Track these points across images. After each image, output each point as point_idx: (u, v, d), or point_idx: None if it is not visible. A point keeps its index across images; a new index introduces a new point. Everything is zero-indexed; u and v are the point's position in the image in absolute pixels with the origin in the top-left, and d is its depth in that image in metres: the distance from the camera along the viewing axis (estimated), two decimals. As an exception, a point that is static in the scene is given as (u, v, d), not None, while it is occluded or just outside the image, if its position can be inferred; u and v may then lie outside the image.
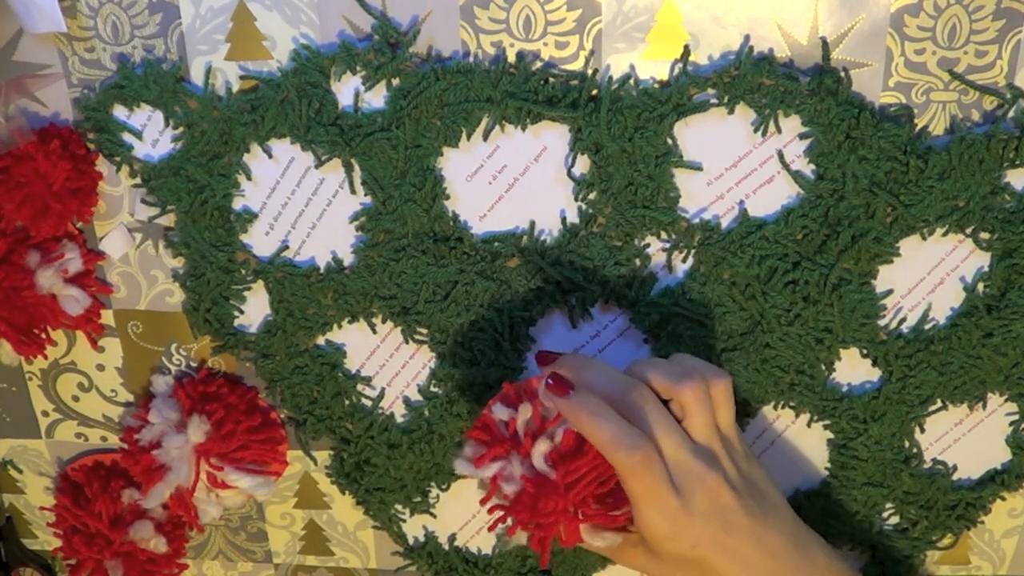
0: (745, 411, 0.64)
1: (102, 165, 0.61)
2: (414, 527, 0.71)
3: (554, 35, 0.55)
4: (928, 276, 0.60)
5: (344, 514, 0.72)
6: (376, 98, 0.57)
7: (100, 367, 0.68)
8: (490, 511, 0.54)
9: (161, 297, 0.65)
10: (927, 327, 0.61)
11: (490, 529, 0.55)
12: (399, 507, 0.70)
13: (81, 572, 0.68)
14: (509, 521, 0.54)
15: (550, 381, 0.53)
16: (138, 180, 0.61)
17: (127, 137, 0.60)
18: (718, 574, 0.52)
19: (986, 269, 0.59)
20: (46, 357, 0.68)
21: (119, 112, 0.59)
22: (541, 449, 0.52)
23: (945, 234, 0.58)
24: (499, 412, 0.54)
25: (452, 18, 0.55)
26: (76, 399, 0.70)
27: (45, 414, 0.71)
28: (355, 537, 0.73)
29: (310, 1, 0.55)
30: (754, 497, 0.54)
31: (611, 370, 0.54)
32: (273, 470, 0.68)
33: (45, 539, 0.77)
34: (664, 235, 0.59)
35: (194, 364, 0.67)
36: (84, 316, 0.64)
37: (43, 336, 0.65)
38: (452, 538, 0.71)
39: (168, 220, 0.62)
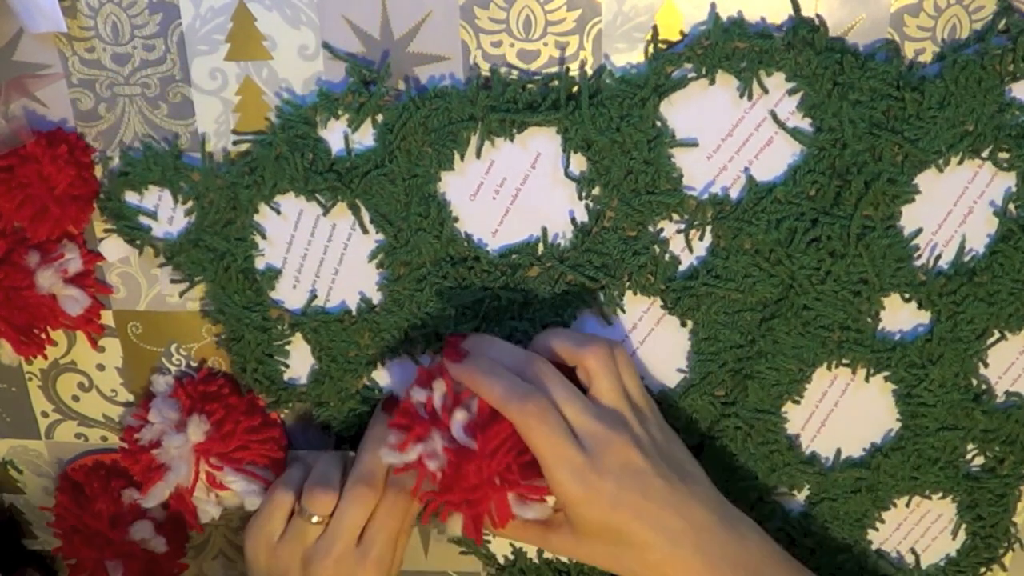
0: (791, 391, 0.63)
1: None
2: (501, 546, 0.71)
3: (554, 35, 0.55)
4: (955, 208, 0.58)
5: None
6: (365, 137, 0.58)
7: (100, 367, 0.68)
8: (421, 499, 0.54)
9: (161, 297, 0.65)
10: (966, 259, 0.59)
11: (423, 521, 0.55)
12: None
13: (81, 572, 0.69)
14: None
15: (446, 349, 0.54)
16: (162, 259, 0.63)
17: (144, 220, 0.62)
18: (644, 545, 0.51)
19: (1013, 189, 0.57)
20: (46, 357, 0.68)
21: (131, 197, 0.61)
22: (459, 420, 0.52)
23: (961, 162, 0.56)
24: (416, 395, 0.55)
25: (452, 18, 0.55)
26: (76, 399, 0.70)
27: (45, 415, 0.71)
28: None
29: (310, 1, 0.56)
30: (670, 465, 0.53)
31: (511, 347, 0.55)
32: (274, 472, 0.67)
33: (45, 539, 0.77)
34: (676, 217, 0.58)
35: (194, 364, 0.67)
36: (84, 316, 0.64)
37: (43, 336, 0.65)
38: (541, 551, 0.71)
39: (198, 291, 0.64)
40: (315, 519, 0.59)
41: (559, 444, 0.50)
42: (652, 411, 0.56)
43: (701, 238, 0.59)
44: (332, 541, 0.58)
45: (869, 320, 0.60)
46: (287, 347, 0.65)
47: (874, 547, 0.68)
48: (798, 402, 0.63)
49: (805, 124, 0.55)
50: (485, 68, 0.56)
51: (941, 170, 0.56)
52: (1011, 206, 0.57)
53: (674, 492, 0.52)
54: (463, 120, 0.56)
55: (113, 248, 0.64)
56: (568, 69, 0.55)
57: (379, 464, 0.58)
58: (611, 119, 0.55)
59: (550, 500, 0.54)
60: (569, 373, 0.55)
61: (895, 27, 0.53)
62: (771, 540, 0.55)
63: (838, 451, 0.65)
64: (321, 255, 0.61)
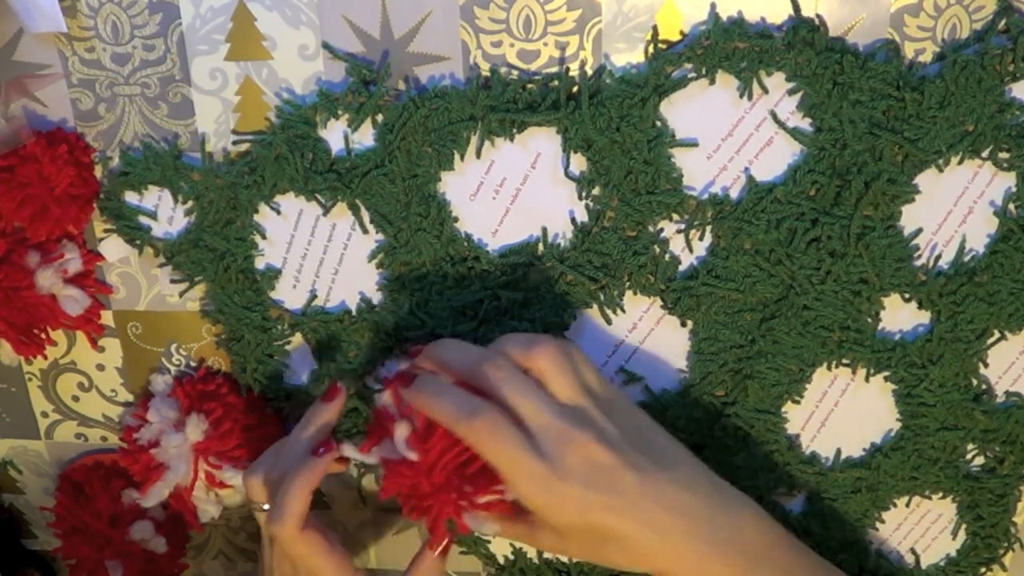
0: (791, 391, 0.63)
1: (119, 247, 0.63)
2: (501, 546, 0.71)
3: (554, 35, 0.55)
4: (955, 208, 0.58)
5: (345, 514, 0.72)
6: (365, 137, 0.58)
7: (100, 367, 0.69)
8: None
9: (161, 297, 0.65)
10: (966, 259, 0.59)
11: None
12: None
13: (81, 572, 0.69)
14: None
15: (395, 379, 0.53)
16: (162, 259, 0.63)
17: (144, 220, 0.62)
18: (627, 539, 0.49)
19: (1013, 189, 0.57)
20: (46, 357, 0.68)
21: (131, 197, 0.61)
22: (401, 434, 0.51)
23: (961, 162, 0.56)
24: (382, 400, 0.55)
25: (452, 18, 0.55)
26: (76, 399, 0.70)
27: (45, 415, 0.71)
28: (355, 538, 0.73)
29: (310, 1, 0.56)
30: (642, 451, 0.51)
31: (469, 348, 0.53)
32: None
33: (45, 539, 0.77)
34: (676, 216, 0.58)
35: (194, 364, 0.67)
36: (84, 316, 0.64)
37: (43, 336, 0.65)
38: (541, 551, 0.71)
39: (198, 291, 0.64)
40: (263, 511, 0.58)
41: (516, 456, 0.48)
42: (619, 401, 0.53)
43: (701, 238, 0.59)
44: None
45: (869, 320, 0.60)
46: (287, 347, 0.65)
47: (874, 547, 0.68)
48: (798, 402, 0.63)
49: (805, 124, 0.55)
50: (485, 68, 0.56)
51: (941, 170, 0.56)
52: (1011, 206, 0.57)
53: (650, 482, 0.49)
54: (463, 120, 0.56)
55: (113, 248, 0.64)
56: (568, 69, 0.55)
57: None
58: (611, 119, 0.55)
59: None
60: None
61: (895, 27, 0.53)
62: (771, 520, 0.53)
63: (838, 451, 0.65)
64: (321, 255, 0.62)
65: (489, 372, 0.50)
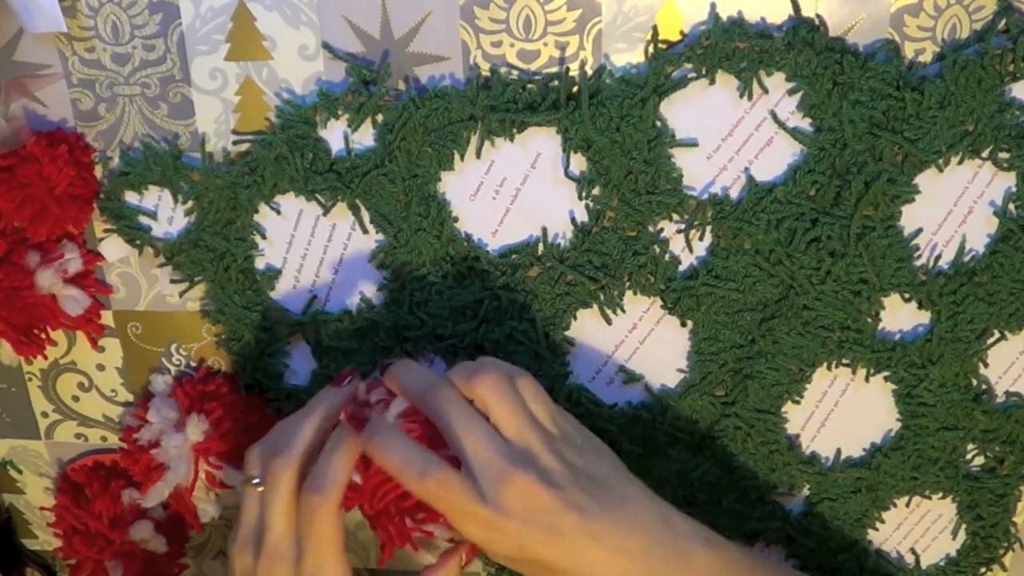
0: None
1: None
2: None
3: (554, 35, 0.55)
4: (955, 208, 0.58)
5: (344, 515, 0.71)
6: (365, 137, 0.58)
7: (100, 367, 0.68)
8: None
9: (161, 297, 0.65)
10: (966, 259, 0.59)
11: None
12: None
13: (81, 572, 0.68)
14: None
15: (348, 419, 0.53)
16: (162, 259, 0.63)
17: (144, 220, 0.62)
18: (563, 573, 0.49)
19: (1013, 189, 0.57)
20: (46, 357, 0.68)
21: (131, 197, 0.61)
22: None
23: (961, 162, 0.56)
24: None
25: (452, 18, 0.55)
26: (76, 399, 0.70)
27: (45, 415, 0.71)
28: (355, 537, 0.73)
29: (310, 1, 0.56)
30: (587, 491, 0.50)
31: (423, 372, 0.53)
32: None
33: (45, 539, 0.77)
34: (676, 217, 0.58)
35: (194, 364, 0.67)
36: (84, 316, 0.64)
37: (43, 336, 0.65)
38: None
39: (198, 291, 0.64)
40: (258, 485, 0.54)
41: (462, 506, 0.48)
42: (569, 432, 0.52)
43: (701, 238, 0.59)
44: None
45: (869, 320, 0.60)
46: (287, 347, 0.65)
47: (874, 547, 0.68)
48: (798, 402, 0.63)
49: (805, 124, 0.55)
50: (485, 68, 0.56)
51: (941, 170, 0.56)
52: (1011, 206, 0.57)
53: (591, 522, 0.48)
54: (463, 120, 0.56)
55: (113, 248, 0.64)
56: (568, 69, 0.55)
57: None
58: (611, 119, 0.55)
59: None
60: None
61: (895, 27, 0.53)
62: (727, 547, 0.52)
63: (838, 451, 0.65)
64: (321, 255, 0.61)
65: (434, 401, 0.50)
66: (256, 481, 0.53)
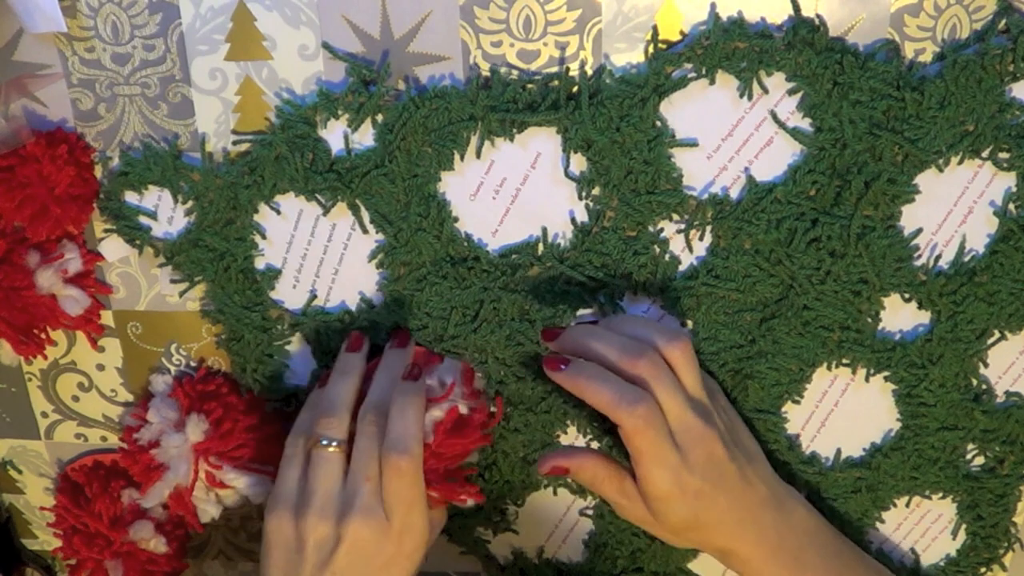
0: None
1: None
2: (501, 547, 0.71)
3: (554, 35, 0.55)
4: (955, 208, 0.58)
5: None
6: (365, 137, 0.58)
7: (100, 367, 0.68)
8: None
9: (161, 297, 0.65)
10: (966, 259, 0.59)
11: None
12: (481, 529, 0.70)
13: (81, 572, 0.69)
14: None
15: (546, 359, 0.57)
16: (162, 259, 0.63)
17: (144, 220, 0.62)
18: (706, 526, 0.56)
19: (1013, 189, 0.57)
20: (46, 357, 0.68)
21: (131, 197, 0.61)
22: (432, 417, 0.57)
23: (961, 162, 0.56)
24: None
25: (452, 18, 0.55)
26: (76, 399, 0.70)
27: (45, 415, 0.71)
28: None
29: (310, 1, 0.56)
30: (740, 449, 0.58)
31: (611, 337, 0.56)
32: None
33: (45, 539, 0.77)
34: (676, 217, 0.58)
35: (194, 364, 0.67)
36: (84, 316, 0.64)
37: (43, 336, 0.65)
38: (540, 551, 0.71)
39: (198, 291, 0.64)
40: (332, 446, 0.55)
41: (660, 446, 0.54)
42: (721, 396, 0.60)
43: (701, 238, 0.59)
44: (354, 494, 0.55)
45: (869, 320, 0.61)
46: (287, 347, 0.65)
47: (874, 547, 0.68)
48: (798, 402, 0.63)
49: (805, 124, 0.55)
50: (485, 68, 0.56)
51: (941, 170, 0.56)
52: (1011, 206, 0.57)
53: (742, 475, 0.56)
54: (463, 120, 0.56)
55: (113, 248, 0.64)
56: (568, 69, 0.55)
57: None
58: (611, 119, 0.55)
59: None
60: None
61: (895, 27, 0.53)
62: (815, 513, 0.61)
63: (838, 451, 0.65)
64: (321, 255, 0.62)
65: (644, 366, 0.54)
66: (328, 442, 0.56)
